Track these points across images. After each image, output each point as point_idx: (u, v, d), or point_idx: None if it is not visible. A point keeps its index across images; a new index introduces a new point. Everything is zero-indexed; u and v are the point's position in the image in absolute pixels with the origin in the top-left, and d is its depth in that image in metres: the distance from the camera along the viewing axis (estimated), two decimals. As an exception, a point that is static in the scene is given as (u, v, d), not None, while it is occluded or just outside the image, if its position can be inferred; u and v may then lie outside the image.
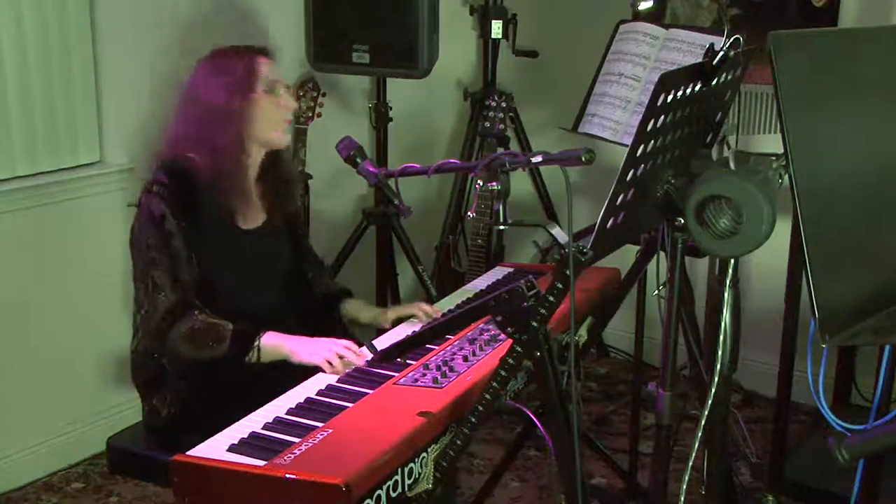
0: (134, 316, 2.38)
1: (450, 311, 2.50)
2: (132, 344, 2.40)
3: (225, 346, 2.25)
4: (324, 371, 2.17)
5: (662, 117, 1.87)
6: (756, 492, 3.13)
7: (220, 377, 2.30)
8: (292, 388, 2.10)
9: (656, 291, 2.31)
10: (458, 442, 1.90)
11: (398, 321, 2.51)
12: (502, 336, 2.05)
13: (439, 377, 2.04)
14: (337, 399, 2.03)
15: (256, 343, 2.25)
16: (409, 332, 2.31)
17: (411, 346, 2.12)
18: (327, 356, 2.19)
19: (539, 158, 2.03)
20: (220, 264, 2.36)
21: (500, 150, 3.36)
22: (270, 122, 2.40)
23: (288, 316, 2.49)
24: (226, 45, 2.46)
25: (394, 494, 1.77)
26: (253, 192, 2.46)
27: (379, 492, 1.73)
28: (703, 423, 1.89)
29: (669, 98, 1.87)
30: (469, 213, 3.81)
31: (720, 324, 1.88)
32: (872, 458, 2.34)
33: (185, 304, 2.27)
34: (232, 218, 2.40)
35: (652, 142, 1.88)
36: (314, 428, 1.86)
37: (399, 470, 1.78)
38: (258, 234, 2.45)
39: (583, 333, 2.61)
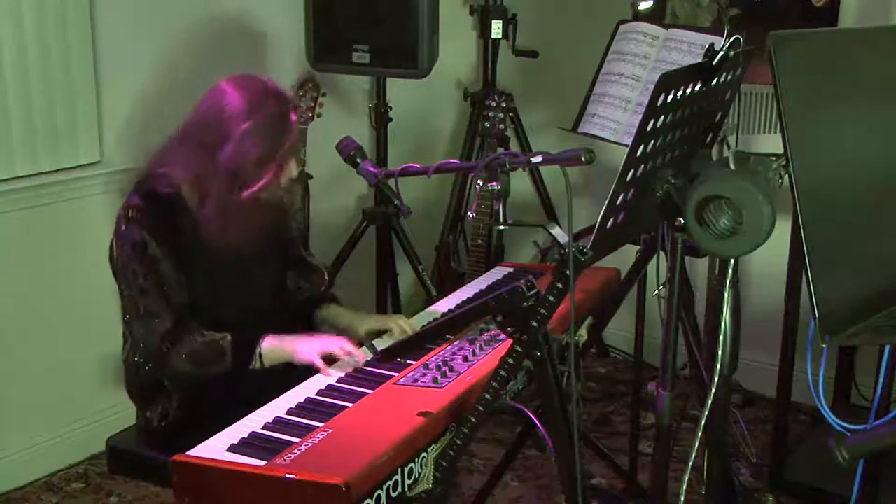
0: (123, 326, 2.36)
1: (450, 310, 2.50)
2: (123, 353, 2.39)
3: (227, 361, 2.23)
4: (319, 370, 2.16)
5: (662, 117, 1.87)
6: (756, 492, 3.14)
7: (215, 388, 2.27)
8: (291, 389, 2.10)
9: (656, 291, 2.30)
10: (458, 442, 1.90)
11: (374, 333, 2.43)
12: (502, 336, 2.05)
13: (439, 377, 2.04)
14: (337, 399, 2.03)
15: (258, 350, 2.24)
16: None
17: (411, 347, 2.12)
18: (327, 350, 2.17)
19: (539, 158, 2.03)
20: (204, 280, 2.31)
21: (500, 150, 3.36)
22: (269, 191, 2.29)
23: (273, 325, 2.46)
24: (266, 84, 2.26)
25: (394, 494, 1.77)
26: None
27: (379, 492, 1.73)
28: (703, 423, 1.89)
29: (669, 98, 1.87)
30: (469, 213, 3.82)
31: (720, 324, 1.88)
32: (872, 458, 2.33)
33: (180, 326, 2.24)
34: (213, 233, 2.29)
35: (652, 142, 1.88)
36: (314, 428, 1.86)
37: (399, 470, 1.78)
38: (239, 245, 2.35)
39: (583, 333, 2.60)
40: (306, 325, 2.55)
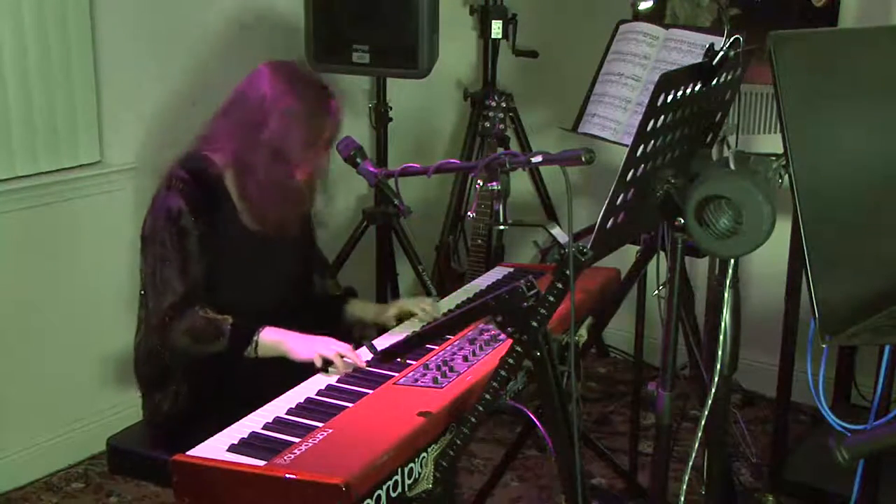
0: (139, 310, 2.39)
1: (450, 310, 2.50)
2: (136, 338, 2.41)
3: (224, 341, 2.25)
4: (317, 368, 2.18)
5: (662, 117, 1.87)
6: (756, 492, 3.14)
7: (221, 377, 2.30)
8: (292, 388, 2.10)
9: (656, 291, 2.31)
10: (458, 442, 1.90)
11: (400, 318, 2.51)
12: (502, 336, 2.05)
13: (439, 377, 2.04)
14: (337, 399, 2.03)
15: (255, 338, 2.25)
16: (409, 333, 2.30)
17: (411, 346, 2.11)
18: (325, 353, 2.19)
19: (539, 158, 2.03)
20: (229, 264, 2.36)
21: (500, 150, 3.36)
22: (309, 174, 2.39)
23: (292, 316, 2.48)
24: (308, 72, 2.42)
25: (394, 494, 1.77)
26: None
27: (379, 492, 1.73)
28: (703, 423, 1.89)
29: (669, 98, 1.87)
30: (469, 213, 3.81)
31: (720, 324, 1.88)
32: (872, 458, 2.34)
33: (188, 301, 2.27)
34: (243, 219, 2.38)
35: (652, 142, 1.88)
36: (314, 428, 1.86)
37: (399, 470, 1.78)
38: (267, 235, 2.42)
39: (583, 333, 2.61)
40: (335, 321, 2.58)
